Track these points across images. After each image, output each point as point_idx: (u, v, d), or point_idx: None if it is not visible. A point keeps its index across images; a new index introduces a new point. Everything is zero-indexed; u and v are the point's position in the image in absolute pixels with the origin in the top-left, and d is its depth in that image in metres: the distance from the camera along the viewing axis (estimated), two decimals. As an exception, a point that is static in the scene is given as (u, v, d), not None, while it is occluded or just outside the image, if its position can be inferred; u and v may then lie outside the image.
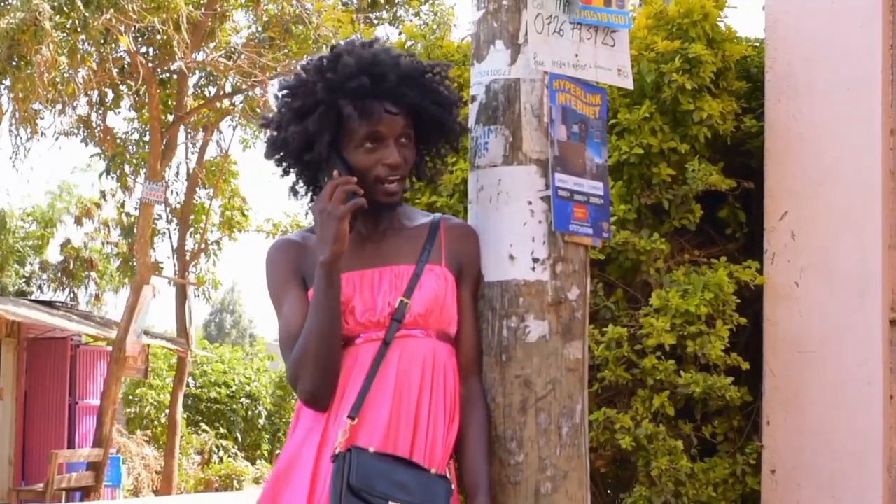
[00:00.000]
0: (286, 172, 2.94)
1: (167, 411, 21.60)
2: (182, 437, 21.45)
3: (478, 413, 2.88)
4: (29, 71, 14.11)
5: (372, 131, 2.78)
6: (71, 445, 19.01)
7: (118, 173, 20.29)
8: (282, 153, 2.89)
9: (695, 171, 4.38)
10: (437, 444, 2.78)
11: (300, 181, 2.95)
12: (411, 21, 18.30)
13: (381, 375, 2.75)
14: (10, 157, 16.30)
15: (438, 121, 2.89)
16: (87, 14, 14.33)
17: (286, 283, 2.84)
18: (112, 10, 14.32)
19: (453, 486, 2.77)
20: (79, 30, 14.60)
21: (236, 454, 24.09)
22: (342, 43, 2.88)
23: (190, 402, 24.23)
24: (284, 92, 2.87)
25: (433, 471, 2.73)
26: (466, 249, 2.95)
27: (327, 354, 2.72)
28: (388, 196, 2.82)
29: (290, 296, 2.82)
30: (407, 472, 2.68)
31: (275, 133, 2.88)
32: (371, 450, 2.67)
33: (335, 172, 2.75)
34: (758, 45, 4.91)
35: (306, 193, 2.97)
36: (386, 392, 2.74)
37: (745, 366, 4.30)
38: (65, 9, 14.27)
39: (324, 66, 2.82)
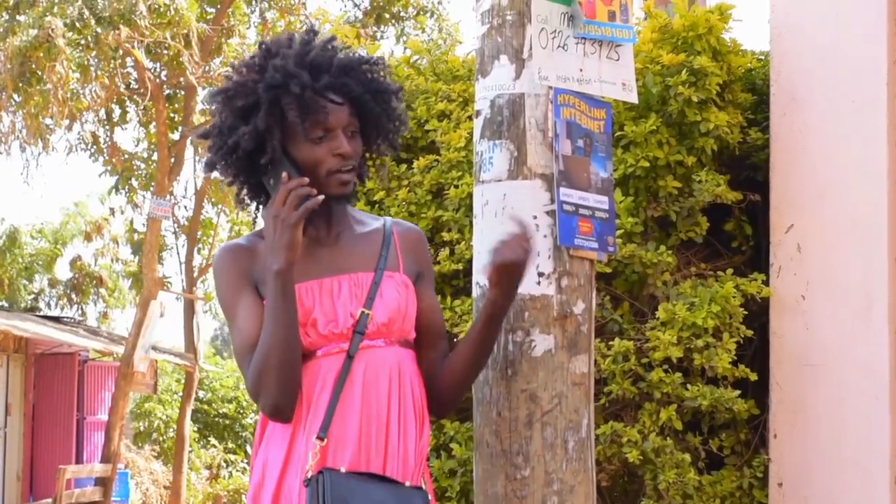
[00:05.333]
0: (233, 181, 2.85)
1: (175, 426, 21.60)
2: (191, 451, 21.45)
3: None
4: (40, 87, 14.14)
5: (319, 124, 2.70)
6: (79, 461, 19.01)
7: (126, 189, 20.33)
8: (229, 159, 2.78)
9: (701, 183, 4.38)
10: (409, 455, 2.73)
11: (245, 189, 2.85)
12: (417, 36, 18.31)
13: (347, 390, 2.68)
14: (22, 173, 16.35)
15: (377, 113, 2.81)
16: (98, 30, 14.35)
17: (238, 289, 2.75)
18: (123, 26, 14.33)
19: (430, 497, 2.75)
20: (91, 46, 14.62)
21: (245, 469, 24.08)
22: (270, 40, 2.81)
23: (199, 417, 24.23)
24: (221, 95, 2.77)
25: (408, 483, 2.69)
26: (422, 254, 2.94)
27: (289, 366, 2.64)
28: (342, 186, 2.74)
29: (243, 303, 2.73)
30: (382, 488, 2.63)
31: (219, 140, 2.78)
32: (342, 469, 2.61)
33: (284, 175, 2.67)
34: (763, 57, 4.92)
35: (251, 201, 2.87)
36: (353, 408, 2.68)
37: (754, 377, 4.30)
38: (77, 25, 14.29)
39: (259, 63, 2.75)
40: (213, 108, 2.81)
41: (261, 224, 2.83)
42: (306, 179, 2.65)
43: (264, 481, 2.72)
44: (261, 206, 2.86)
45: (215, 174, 3.02)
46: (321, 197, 2.64)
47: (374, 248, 2.84)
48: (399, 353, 2.78)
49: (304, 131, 2.70)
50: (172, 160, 18.13)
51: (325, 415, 2.66)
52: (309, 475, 2.60)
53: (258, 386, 2.65)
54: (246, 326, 2.71)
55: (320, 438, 2.64)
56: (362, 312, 2.73)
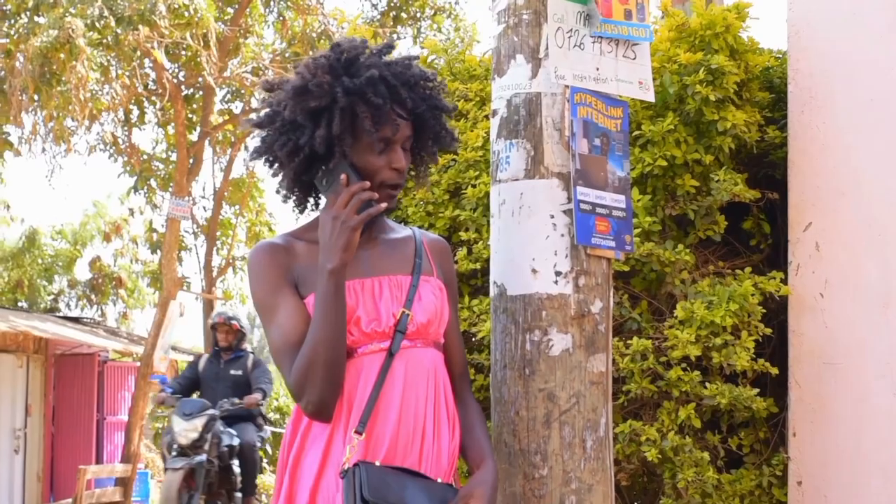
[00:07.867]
0: (278, 173, 2.88)
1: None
2: (210, 451, 21.45)
3: (475, 406, 2.94)
4: (60, 88, 14.18)
5: (384, 136, 2.75)
6: (99, 461, 19.06)
7: (145, 190, 20.40)
8: (294, 157, 2.80)
9: (719, 181, 4.38)
10: (442, 455, 2.78)
11: (287, 183, 2.87)
12: (434, 36, 18.32)
13: (387, 387, 2.73)
14: (46, 176, 16.36)
15: (437, 129, 2.87)
16: (118, 31, 14.37)
17: (278, 287, 2.77)
18: (143, 26, 14.35)
19: None
20: (111, 46, 14.64)
21: (264, 468, 24.12)
22: (345, 43, 2.83)
23: (219, 417, 24.26)
24: (292, 91, 2.78)
25: (440, 480, 2.73)
26: (448, 264, 3.00)
27: (336, 363, 2.67)
28: (389, 199, 2.80)
29: (283, 301, 2.76)
30: (415, 482, 2.67)
31: (282, 136, 2.80)
32: (377, 463, 2.65)
33: (343, 177, 2.71)
34: (780, 55, 4.91)
35: (290, 195, 2.90)
36: (393, 404, 2.72)
37: (774, 370, 4.29)
38: (97, 25, 14.31)
39: (336, 66, 2.78)
40: (277, 101, 2.83)
41: (293, 225, 2.87)
42: (368, 183, 2.70)
43: (301, 479, 2.75)
44: (290, 201, 2.91)
45: (256, 163, 3.04)
46: (384, 205, 2.72)
47: (408, 253, 2.91)
48: (434, 354, 2.84)
49: (368, 141, 2.75)
50: (191, 161, 18.17)
51: (365, 410, 2.69)
52: (346, 467, 2.63)
53: (303, 383, 2.67)
54: (287, 324, 2.73)
55: (359, 433, 2.67)
56: (403, 312, 2.78)
